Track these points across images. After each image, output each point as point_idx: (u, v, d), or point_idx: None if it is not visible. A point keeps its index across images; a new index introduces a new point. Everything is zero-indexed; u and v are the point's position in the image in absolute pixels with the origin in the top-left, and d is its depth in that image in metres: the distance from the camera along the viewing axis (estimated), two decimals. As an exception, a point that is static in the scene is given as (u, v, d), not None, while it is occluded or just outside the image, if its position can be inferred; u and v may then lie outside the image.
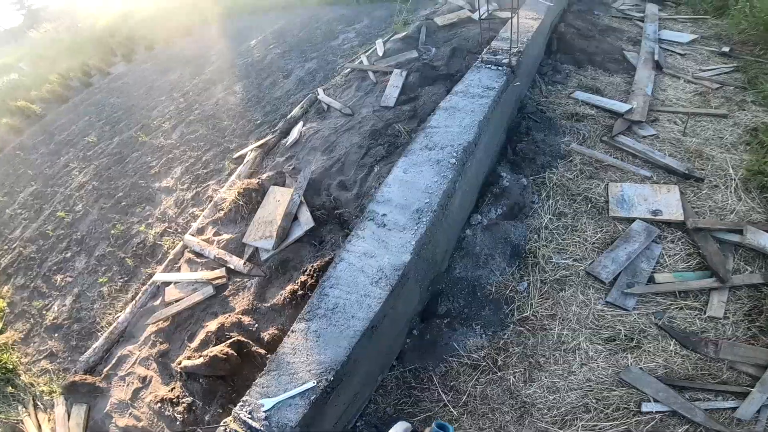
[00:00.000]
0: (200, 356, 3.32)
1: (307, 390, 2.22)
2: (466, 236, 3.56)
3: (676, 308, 2.96)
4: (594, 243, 3.40)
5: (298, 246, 3.74)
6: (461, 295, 3.32)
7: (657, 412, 2.56)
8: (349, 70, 5.83)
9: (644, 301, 3.04)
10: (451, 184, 3.01)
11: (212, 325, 3.54)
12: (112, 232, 5.25)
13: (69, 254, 5.46)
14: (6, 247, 6.42)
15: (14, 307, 5.29)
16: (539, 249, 3.43)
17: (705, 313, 2.88)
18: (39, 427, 3.91)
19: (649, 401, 2.59)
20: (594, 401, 2.67)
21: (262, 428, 2.12)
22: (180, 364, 3.44)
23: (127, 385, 3.73)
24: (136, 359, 3.83)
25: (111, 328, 4.12)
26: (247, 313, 3.54)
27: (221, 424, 2.38)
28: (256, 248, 3.87)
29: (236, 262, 3.83)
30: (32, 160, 8.44)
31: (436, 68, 5.10)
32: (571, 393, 2.73)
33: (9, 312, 5.25)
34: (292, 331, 2.52)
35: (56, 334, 4.59)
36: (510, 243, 3.47)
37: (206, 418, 3.16)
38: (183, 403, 3.29)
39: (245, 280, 3.76)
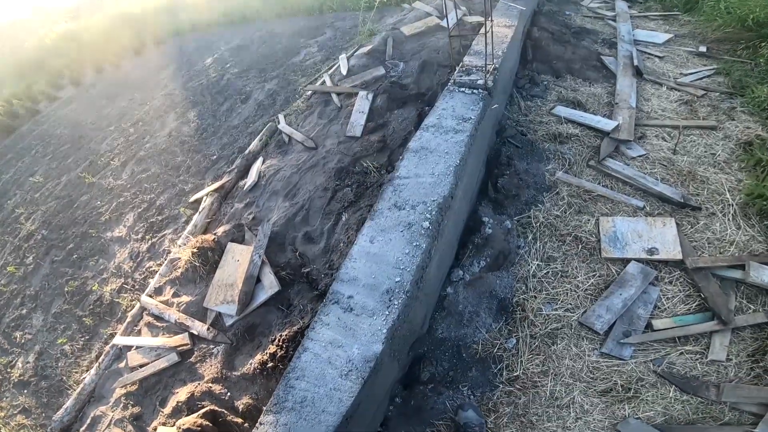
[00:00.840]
0: (174, 426, 3.02)
1: None
2: (447, 294, 3.26)
3: (676, 354, 2.79)
4: (586, 290, 3.15)
5: (264, 310, 3.39)
6: (445, 357, 3.06)
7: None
8: (311, 92, 5.41)
9: (642, 348, 2.86)
10: (426, 255, 2.66)
11: (182, 394, 3.21)
12: (66, 289, 4.80)
13: (25, 311, 5.04)
14: None
15: None
16: (527, 301, 3.17)
17: (707, 357, 2.73)
18: None
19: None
20: None
21: None
22: (155, 430, 3.14)
23: None
24: (111, 420, 3.53)
25: (79, 389, 3.83)
26: (217, 381, 3.20)
27: None
28: (219, 313, 3.50)
29: (199, 328, 3.47)
30: (-22, 203, 7.78)
31: (405, 87, 4.73)
32: None
33: None
34: (261, 424, 2.26)
35: (25, 391, 4.26)
36: (496, 297, 3.20)
37: None
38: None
39: (211, 346, 3.40)
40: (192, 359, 3.43)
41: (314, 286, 3.37)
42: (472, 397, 2.91)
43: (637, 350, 2.85)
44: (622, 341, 2.87)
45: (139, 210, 5.06)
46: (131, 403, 3.48)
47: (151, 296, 3.97)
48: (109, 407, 3.62)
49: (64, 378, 4.11)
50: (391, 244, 2.72)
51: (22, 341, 4.73)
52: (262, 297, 3.40)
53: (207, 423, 2.92)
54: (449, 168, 3.03)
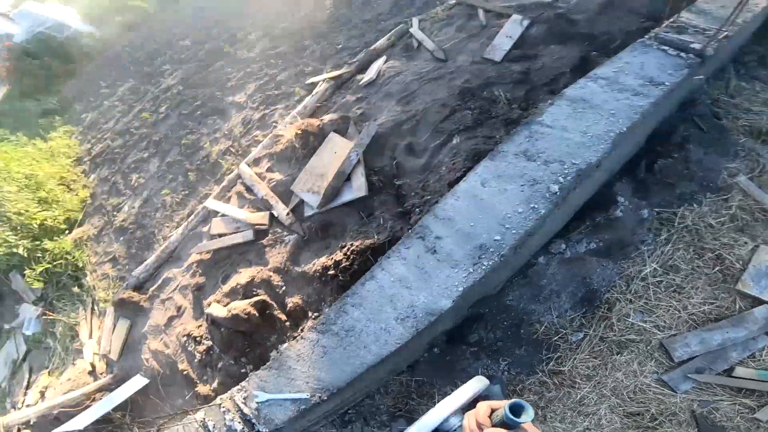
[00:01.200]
0: (227, 306, 3.20)
1: (300, 399, 2.17)
2: (536, 263, 2.85)
3: (729, 402, 2.46)
4: (693, 314, 2.63)
5: (344, 211, 3.26)
6: (502, 326, 2.81)
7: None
8: (455, 2, 4.78)
9: (702, 388, 2.52)
10: (540, 222, 2.25)
11: (243, 276, 3.34)
12: (183, 141, 5.20)
13: (146, 155, 5.61)
14: (99, 136, 6.82)
15: (95, 199, 5.66)
16: (620, 302, 2.73)
17: (753, 413, 2.38)
18: (91, 332, 4.24)
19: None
20: None
21: (250, 416, 2.19)
22: (209, 305, 3.36)
23: (166, 310, 3.84)
24: (178, 285, 3.89)
25: (163, 246, 4.22)
26: (278, 272, 3.25)
27: (218, 399, 2.46)
28: (302, 200, 3.45)
29: (281, 210, 3.49)
30: (137, 57, 8.68)
31: (573, 23, 3.88)
32: None
33: (90, 204, 5.61)
34: (302, 338, 2.26)
35: (122, 238, 4.84)
36: (587, 285, 2.75)
37: (219, 365, 3.16)
38: (204, 344, 3.32)
39: (284, 233, 3.43)
40: (264, 241, 3.50)
41: (401, 202, 3.12)
42: (506, 374, 2.75)
43: (697, 388, 2.53)
44: (689, 375, 2.49)
45: (261, 82, 5.18)
46: (199, 272, 3.75)
47: (249, 165, 4.07)
48: (181, 271, 3.94)
49: (156, 231, 4.52)
50: (504, 196, 2.34)
51: (135, 185, 5.29)
52: (346, 197, 3.25)
53: (255, 313, 3.00)
54: (609, 133, 2.44)
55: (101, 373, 3.81)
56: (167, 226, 4.46)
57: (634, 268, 2.80)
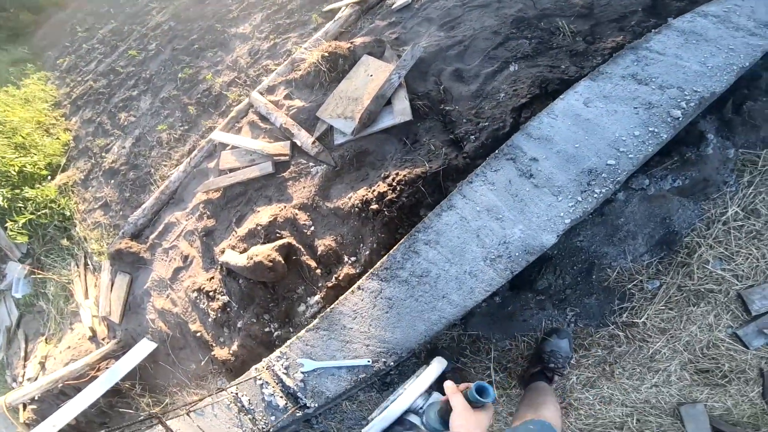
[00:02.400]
0: (244, 252, 2.73)
1: (359, 366, 1.75)
2: (614, 199, 2.55)
3: None
4: None
5: (383, 138, 2.82)
6: (572, 270, 2.52)
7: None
8: None
9: None
10: (657, 148, 1.94)
11: (264, 216, 2.86)
12: (180, 75, 4.62)
13: (136, 92, 5.02)
14: (79, 79, 6.18)
15: (79, 142, 5.11)
16: (700, 246, 2.49)
17: None
18: (86, 291, 3.77)
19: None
20: (634, 422, 2.42)
21: (294, 389, 1.81)
22: (223, 252, 2.89)
23: (170, 260, 3.37)
24: (182, 231, 3.41)
25: (162, 186, 3.70)
26: (305, 209, 2.79)
27: (253, 370, 2.06)
28: (331, 127, 2.98)
29: (304, 139, 3.00)
30: (116, -1, 7.86)
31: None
32: (620, 409, 2.46)
33: (74, 147, 5.07)
34: (359, 288, 1.82)
35: (112, 181, 4.30)
36: (667, 227, 2.47)
37: (238, 324, 2.74)
38: (219, 300, 2.88)
39: (310, 164, 2.96)
40: (286, 174, 3.01)
41: (450, 129, 2.69)
42: (573, 325, 2.51)
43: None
44: (765, 330, 2.37)
45: (269, 12, 4.57)
46: (207, 213, 3.26)
47: (261, 93, 3.55)
48: (185, 214, 3.44)
49: (153, 170, 4.01)
50: (615, 117, 1.98)
51: (125, 123, 4.73)
52: (387, 121, 2.79)
53: (280, 259, 2.56)
54: (732, 66, 2.17)
55: (103, 339, 3.41)
56: (165, 165, 3.95)
57: (715, 210, 2.51)
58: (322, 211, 2.73)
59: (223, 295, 2.88)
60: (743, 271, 2.45)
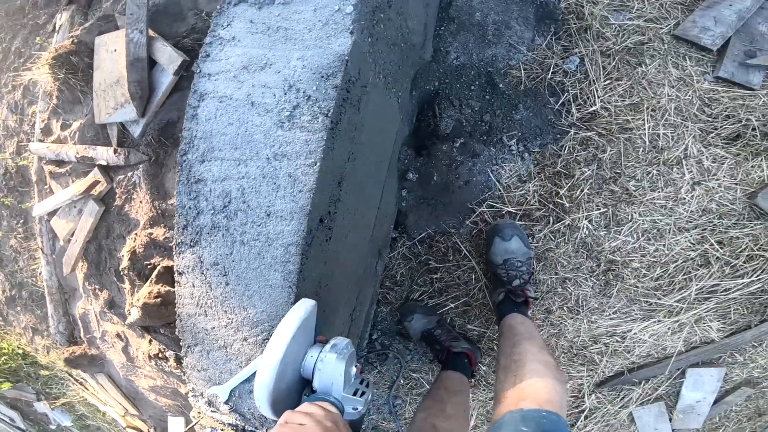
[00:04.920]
0: (134, 305, 2.34)
1: (254, 372, 1.29)
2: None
3: None
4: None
5: (178, 97, 2.29)
6: (471, 93, 2.07)
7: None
8: None
9: None
10: None
11: (124, 258, 2.43)
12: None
13: None
14: None
15: None
16: (584, 6, 2.02)
17: None
18: (97, 398, 3.75)
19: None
20: (716, 248, 1.78)
21: (237, 422, 1.44)
22: (129, 315, 2.54)
23: (113, 346, 3.12)
24: (96, 316, 3.06)
25: (47, 289, 3.30)
26: (156, 222, 2.35)
27: (192, 418, 1.69)
28: (121, 124, 2.41)
29: (106, 154, 2.48)
30: None
31: None
32: (680, 237, 1.82)
33: None
34: (179, 273, 1.34)
35: (18, 307, 3.87)
36: (532, 2, 2.11)
37: None
38: (168, 356, 2.58)
39: (129, 174, 2.47)
40: (118, 202, 2.51)
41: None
42: (527, 154, 2.00)
43: None
44: (747, 62, 1.91)
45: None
46: (94, 288, 2.83)
47: (41, 140, 2.90)
48: (85, 300, 3.06)
49: (33, 280, 3.58)
50: None
51: None
52: (165, 80, 2.24)
53: (165, 288, 2.16)
54: None
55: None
56: (35, 268, 3.51)
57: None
58: (171, 212, 2.31)
59: (166, 349, 2.59)
60: (649, 13, 1.99)
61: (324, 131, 1.08)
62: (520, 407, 1.12)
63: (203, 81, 1.28)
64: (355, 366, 1.08)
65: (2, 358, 4.20)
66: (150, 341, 2.75)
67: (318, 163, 1.08)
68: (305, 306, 1.05)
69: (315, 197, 1.10)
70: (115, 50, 2.39)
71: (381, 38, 1.31)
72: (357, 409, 1.00)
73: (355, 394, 1.02)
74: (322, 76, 1.09)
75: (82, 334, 3.25)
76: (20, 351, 4.17)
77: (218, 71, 1.25)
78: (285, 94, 1.13)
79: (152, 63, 2.27)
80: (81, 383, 3.91)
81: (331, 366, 1.00)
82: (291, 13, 1.18)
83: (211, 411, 1.53)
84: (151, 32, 2.24)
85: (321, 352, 1.03)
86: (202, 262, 1.29)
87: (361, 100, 1.22)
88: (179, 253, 1.35)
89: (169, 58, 2.20)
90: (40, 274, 3.46)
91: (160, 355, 2.70)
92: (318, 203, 1.13)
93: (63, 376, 4.07)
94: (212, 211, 1.25)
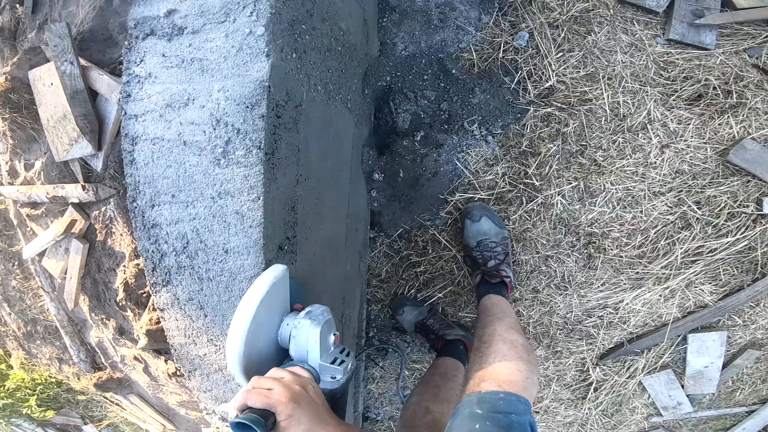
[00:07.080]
0: (139, 332, 2.41)
1: None
2: None
3: None
4: None
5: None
6: (424, 83, 2.06)
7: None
8: None
9: (726, 35, 1.90)
10: None
11: (119, 291, 2.45)
12: None
13: None
14: None
15: None
16: None
17: None
18: (140, 418, 3.78)
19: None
20: (694, 208, 1.81)
21: None
22: (139, 340, 2.62)
23: (134, 368, 3.13)
24: (111, 342, 3.08)
25: (58, 323, 3.31)
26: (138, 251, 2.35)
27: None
28: (82, 159, 2.38)
29: (74, 192, 2.45)
30: None
31: None
32: (656, 202, 1.84)
33: None
34: (161, 309, 1.42)
35: (38, 341, 3.82)
36: None
37: None
38: (185, 374, 2.68)
39: (103, 208, 2.44)
40: (99, 237, 2.49)
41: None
42: (491, 137, 1.98)
43: (721, 36, 1.90)
44: (696, 22, 1.89)
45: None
46: (101, 318, 2.82)
47: (11, 183, 2.86)
48: (97, 330, 3.07)
49: (43, 315, 3.53)
50: None
51: None
52: (112, 109, 2.13)
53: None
54: None
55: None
56: (41, 304, 3.55)
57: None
58: (155, 240, 2.29)
59: (182, 367, 2.69)
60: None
61: (260, 164, 1.05)
62: (479, 389, 1.12)
63: (132, 123, 1.24)
64: (334, 334, 1.06)
65: (38, 388, 4.22)
66: (165, 361, 2.85)
67: (261, 198, 1.06)
68: (275, 271, 1.02)
69: (267, 230, 1.10)
70: (52, 84, 2.30)
71: (310, 49, 1.24)
72: (336, 377, 0.98)
73: (333, 363, 1.01)
74: (247, 106, 1.05)
75: (102, 360, 3.33)
76: (53, 379, 4.22)
77: (143, 111, 1.21)
78: (214, 129, 1.10)
79: (94, 93, 2.19)
80: (117, 404, 4.01)
81: (305, 332, 0.98)
82: (202, 42, 1.12)
83: (227, 426, 1.62)
84: (83, 61, 2.13)
85: (295, 319, 1.03)
86: (178, 299, 1.32)
87: (298, 121, 1.18)
88: (156, 293, 1.38)
89: (108, 87, 2.10)
90: (47, 310, 3.52)
91: (177, 373, 2.81)
92: (272, 234, 1.12)
93: (99, 399, 4.16)
94: (174, 253, 1.25)
